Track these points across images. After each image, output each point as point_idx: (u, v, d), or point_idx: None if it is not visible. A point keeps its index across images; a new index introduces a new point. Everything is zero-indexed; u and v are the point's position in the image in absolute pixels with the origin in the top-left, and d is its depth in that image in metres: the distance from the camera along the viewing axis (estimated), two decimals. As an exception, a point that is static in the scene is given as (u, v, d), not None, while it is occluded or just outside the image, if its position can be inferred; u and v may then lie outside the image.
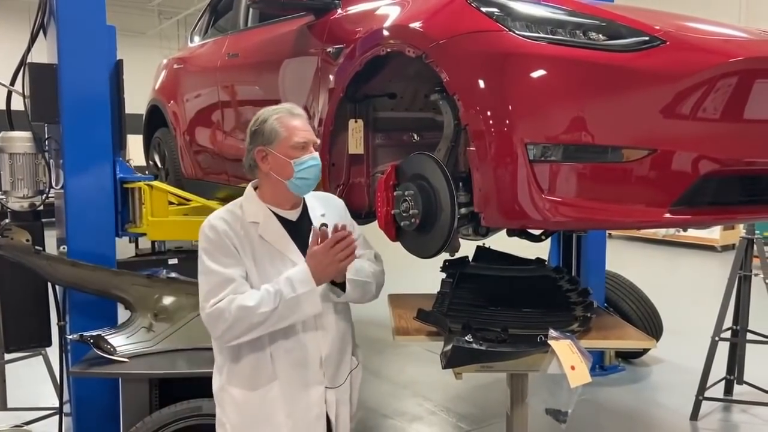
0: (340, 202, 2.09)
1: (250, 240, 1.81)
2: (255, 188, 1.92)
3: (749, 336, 3.83)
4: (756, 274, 3.79)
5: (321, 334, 1.86)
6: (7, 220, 3.01)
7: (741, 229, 3.82)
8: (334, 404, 1.90)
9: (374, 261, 2.04)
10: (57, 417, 3.23)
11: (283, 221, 1.88)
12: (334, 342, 1.89)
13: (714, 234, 9.09)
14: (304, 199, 1.95)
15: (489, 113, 1.88)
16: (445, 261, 2.72)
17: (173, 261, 3.29)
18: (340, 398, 1.92)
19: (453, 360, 1.88)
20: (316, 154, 1.86)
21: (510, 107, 1.86)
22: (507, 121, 1.86)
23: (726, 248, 9.14)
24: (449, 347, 1.87)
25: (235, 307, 1.70)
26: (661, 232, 9.54)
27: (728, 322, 3.79)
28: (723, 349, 3.80)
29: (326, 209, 1.98)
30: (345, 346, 1.96)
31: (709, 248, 9.33)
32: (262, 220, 1.84)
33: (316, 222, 1.89)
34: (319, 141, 1.91)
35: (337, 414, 1.92)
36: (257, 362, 1.81)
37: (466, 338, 1.85)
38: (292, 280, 1.74)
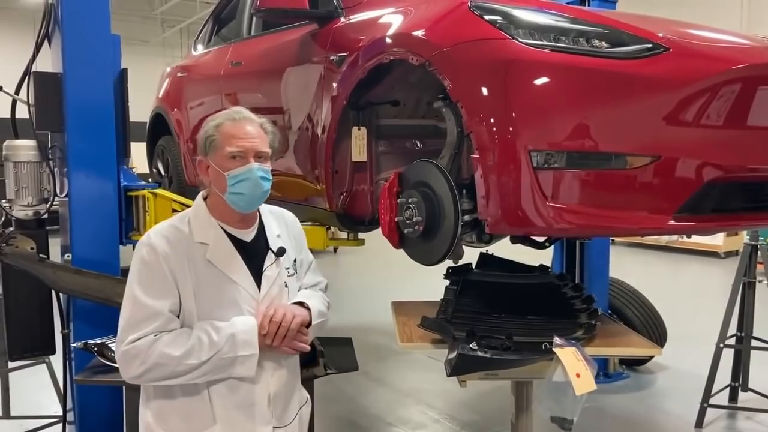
0: (295, 221, 1.91)
1: (194, 263, 1.58)
2: (204, 198, 1.72)
3: (754, 343, 3.81)
4: (760, 281, 3.78)
5: (270, 370, 1.67)
6: (11, 229, 3.01)
7: (744, 236, 3.81)
8: None
9: (324, 292, 1.92)
10: (60, 425, 3.22)
11: (236, 242, 1.67)
12: (282, 377, 1.71)
13: (717, 240, 9.06)
14: (260, 216, 1.76)
15: (492, 120, 1.89)
16: (449, 268, 2.71)
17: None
18: None
19: (458, 368, 1.87)
20: (254, 165, 1.62)
21: (513, 114, 1.86)
22: (510, 128, 1.86)
23: (729, 254, 9.11)
24: (454, 355, 1.86)
25: (157, 352, 1.51)
26: (664, 239, 9.51)
27: (732, 328, 3.78)
28: (727, 356, 3.78)
29: (281, 229, 1.80)
30: (294, 380, 1.80)
31: (713, 254, 9.30)
32: (211, 241, 1.63)
33: (273, 243, 1.73)
34: (269, 151, 1.69)
35: None
36: (192, 404, 1.60)
37: (470, 346, 1.85)
38: (236, 339, 1.55)
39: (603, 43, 1.90)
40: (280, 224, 1.82)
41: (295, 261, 1.82)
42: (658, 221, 1.87)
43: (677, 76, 1.83)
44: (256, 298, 1.67)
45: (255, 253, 1.70)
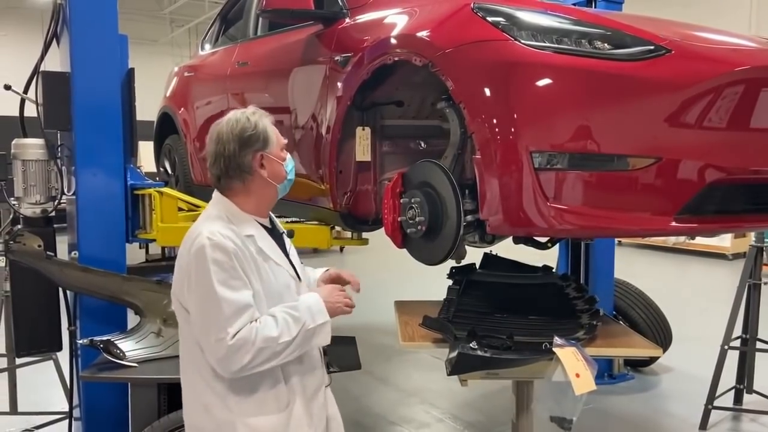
0: None
1: (251, 254, 1.67)
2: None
3: (759, 345, 3.80)
4: (766, 283, 3.77)
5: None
6: (19, 226, 3.04)
7: (752, 237, 3.79)
8: (330, 402, 1.89)
9: None
10: (66, 421, 3.25)
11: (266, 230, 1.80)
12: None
13: (725, 242, 9.01)
14: None
15: (494, 121, 1.90)
16: (452, 268, 2.72)
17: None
18: (329, 396, 1.90)
19: (458, 367, 1.88)
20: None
21: (515, 116, 1.87)
22: (512, 130, 1.87)
23: (737, 256, 9.03)
24: (454, 354, 1.88)
25: (260, 337, 1.58)
26: (670, 240, 9.47)
27: (738, 330, 3.76)
28: (732, 358, 3.76)
29: None
30: None
31: (720, 256, 9.24)
32: (255, 232, 1.72)
33: (279, 228, 1.87)
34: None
35: (330, 414, 1.87)
36: (274, 383, 1.70)
37: (471, 345, 1.86)
38: (312, 311, 1.68)
39: (605, 44, 1.91)
40: None
41: None
42: (659, 222, 1.88)
43: (679, 78, 1.84)
44: (293, 276, 1.79)
45: (276, 237, 1.81)
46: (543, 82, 1.87)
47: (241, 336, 1.57)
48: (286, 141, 1.80)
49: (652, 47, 1.88)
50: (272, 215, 1.87)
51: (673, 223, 1.87)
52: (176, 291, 1.71)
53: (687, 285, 8.01)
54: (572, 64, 1.88)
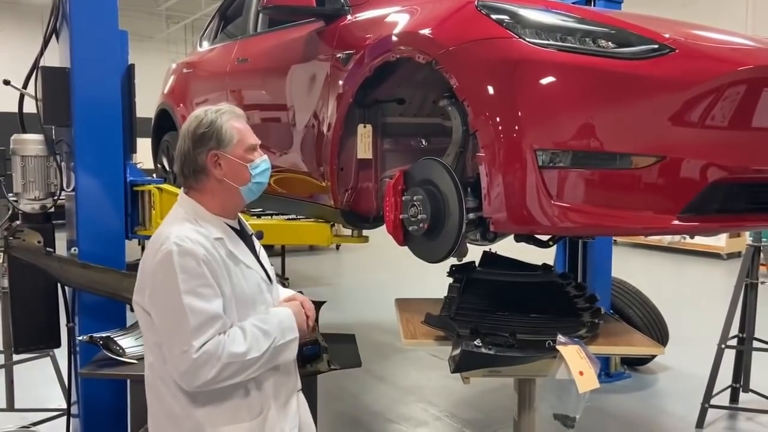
0: None
1: (221, 258, 1.60)
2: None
3: (755, 344, 3.82)
4: (762, 282, 3.79)
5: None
6: (18, 222, 3.02)
7: (747, 237, 3.81)
8: (303, 408, 1.84)
9: None
10: (64, 418, 3.24)
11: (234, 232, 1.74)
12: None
13: (720, 241, 9.05)
14: None
15: (498, 119, 1.89)
16: (452, 266, 2.72)
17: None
18: (302, 401, 1.85)
19: (462, 364, 1.88)
20: (265, 156, 1.75)
21: (519, 113, 1.87)
22: (516, 127, 1.87)
23: (732, 256, 9.09)
24: (458, 351, 1.88)
25: (226, 352, 1.51)
26: (666, 239, 9.51)
27: (734, 329, 3.78)
28: (729, 357, 3.78)
29: None
30: None
31: (715, 255, 9.28)
32: (224, 235, 1.66)
33: (248, 228, 1.82)
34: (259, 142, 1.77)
35: (302, 420, 1.82)
36: (247, 391, 1.64)
37: (475, 343, 1.86)
38: (283, 326, 1.65)
39: (609, 43, 1.91)
40: None
41: None
42: (662, 221, 1.88)
43: (683, 76, 1.84)
44: (264, 279, 1.75)
45: (245, 239, 1.77)
46: (547, 79, 1.87)
47: (207, 350, 1.49)
48: (257, 142, 1.73)
49: (656, 46, 1.89)
50: (240, 217, 1.81)
51: (676, 222, 1.87)
52: (137, 297, 1.64)
53: (682, 284, 8.05)
54: (576, 62, 1.88)
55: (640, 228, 1.93)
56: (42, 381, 3.76)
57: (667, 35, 1.93)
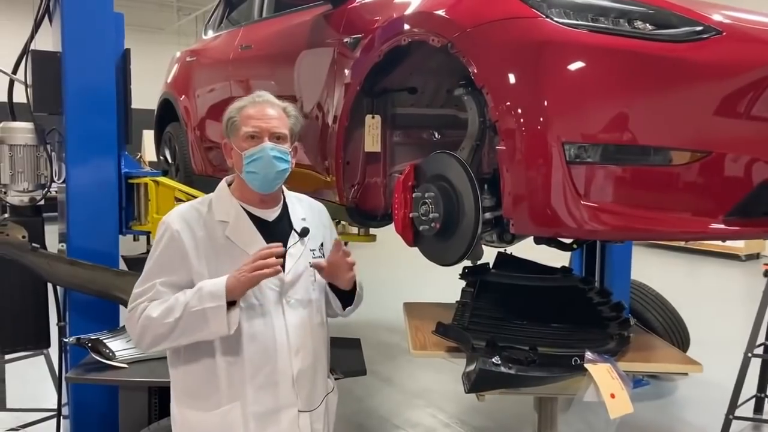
0: (323, 208, 1.94)
1: (213, 241, 1.65)
2: (229, 184, 1.79)
3: (784, 353, 3.64)
4: (794, 288, 3.59)
5: (293, 350, 1.69)
6: (6, 215, 2.90)
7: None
8: (308, 430, 1.72)
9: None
10: (55, 419, 3.12)
11: (258, 221, 1.72)
12: (306, 358, 1.72)
13: (738, 243, 8.85)
14: (284, 198, 1.81)
15: (522, 109, 1.73)
16: (465, 268, 2.56)
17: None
18: (315, 424, 1.74)
19: (478, 384, 1.71)
20: (267, 145, 1.66)
21: (545, 102, 1.70)
22: (541, 118, 1.70)
23: (750, 257, 8.91)
24: (473, 368, 1.70)
25: (144, 315, 1.61)
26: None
27: (761, 337, 3.60)
28: (753, 365, 3.60)
29: (307, 214, 1.84)
30: (318, 365, 1.78)
31: (733, 257, 9.10)
32: (232, 219, 1.69)
33: (297, 225, 1.76)
34: (287, 131, 1.72)
35: None
36: (210, 381, 1.66)
37: (493, 360, 1.68)
38: (202, 292, 1.58)
39: (647, 24, 1.74)
40: (306, 209, 1.85)
41: (322, 245, 1.83)
42: (701, 224, 1.72)
43: (731, 62, 1.67)
44: (280, 275, 1.67)
45: (278, 233, 1.73)
46: (577, 64, 1.70)
47: (132, 311, 1.64)
48: (255, 130, 1.69)
49: (700, 28, 1.71)
50: (292, 208, 1.81)
51: (719, 226, 1.69)
52: None
53: (700, 286, 7.87)
54: (610, 45, 1.71)
55: (677, 232, 1.75)
56: (38, 379, 3.65)
57: (713, 16, 1.74)
